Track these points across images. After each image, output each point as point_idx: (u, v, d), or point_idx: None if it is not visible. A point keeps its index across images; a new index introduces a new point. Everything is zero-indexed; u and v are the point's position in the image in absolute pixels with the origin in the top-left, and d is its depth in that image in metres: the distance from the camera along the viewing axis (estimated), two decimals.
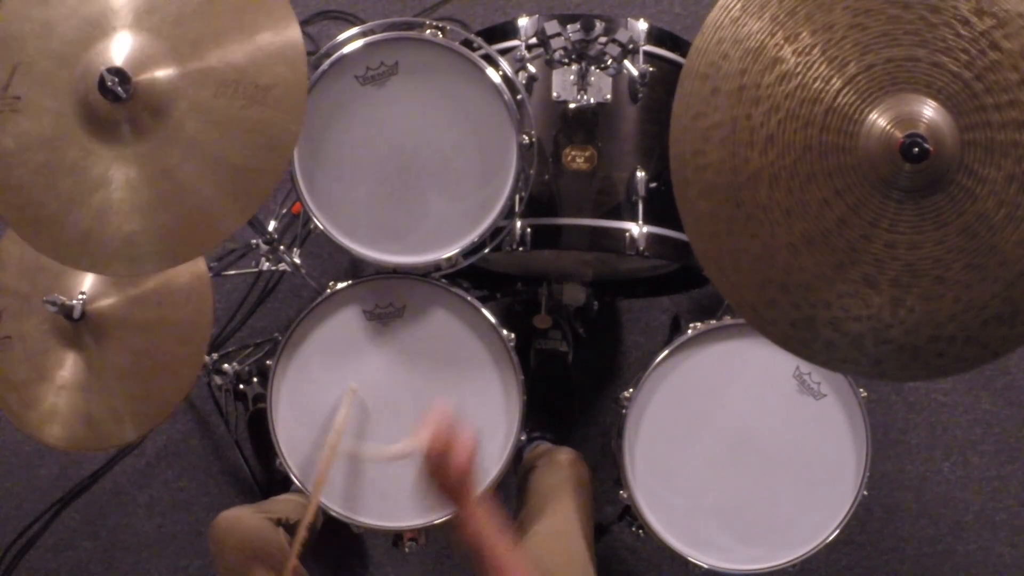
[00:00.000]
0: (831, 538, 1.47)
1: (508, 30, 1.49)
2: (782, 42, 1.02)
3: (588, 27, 1.38)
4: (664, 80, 1.48)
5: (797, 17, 1.02)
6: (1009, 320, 1.03)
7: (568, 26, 1.39)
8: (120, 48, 1.14)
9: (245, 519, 1.51)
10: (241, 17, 1.14)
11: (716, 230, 1.06)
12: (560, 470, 1.58)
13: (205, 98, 1.13)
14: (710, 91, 1.04)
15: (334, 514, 1.47)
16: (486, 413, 1.48)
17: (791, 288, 1.05)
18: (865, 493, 1.47)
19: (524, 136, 1.38)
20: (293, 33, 1.14)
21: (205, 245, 1.24)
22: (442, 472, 1.12)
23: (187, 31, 1.14)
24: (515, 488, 1.79)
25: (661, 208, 1.47)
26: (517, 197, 1.43)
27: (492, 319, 1.47)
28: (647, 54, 1.47)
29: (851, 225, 1.02)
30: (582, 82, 1.43)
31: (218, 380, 1.91)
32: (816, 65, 1.01)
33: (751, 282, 1.07)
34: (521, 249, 1.46)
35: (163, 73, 1.13)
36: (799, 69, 1.01)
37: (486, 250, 1.45)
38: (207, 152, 1.15)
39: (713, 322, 1.49)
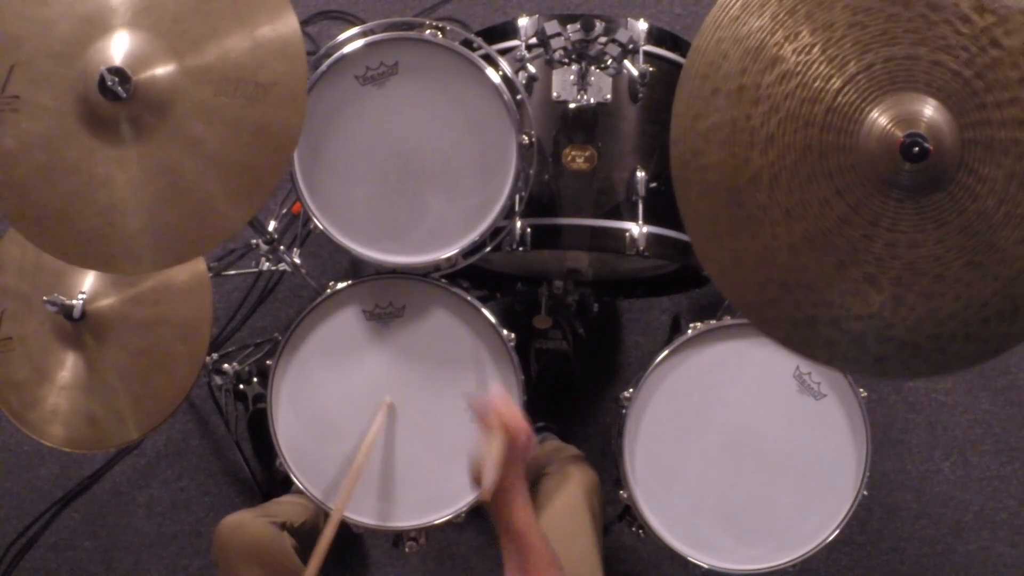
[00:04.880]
0: (831, 538, 1.47)
1: (508, 30, 1.49)
2: (782, 41, 1.02)
3: (588, 27, 1.38)
4: (664, 80, 1.48)
5: (797, 16, 1.02)
6: (1010, 317, 1.03)
7: (568, 26, 1.39)
8: (119, 46, 1.13)
9: (249, 524, 1.51)
10: (239, 11, 1.14)
11: (717, 231, 1.06)
12: (568, 475, 1.59)
13: (206, 96, 1.13)
14: (710, 91, 1.04)
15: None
16: None
17: (792, 288, 1.06)
18: (865, 493, 1.47)
19: (524, 136, 1.38)
20: (291, 25, 1.14)
21: (209, 243, 1.23)
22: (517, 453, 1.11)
23: (185, 27, 1.14)
24: None
25: (661, 208, 1.47)
26: (517, 197, 1.43)
27: (492, 319, 1.47)
28: (647, 54, 1.47)
29: (852, 224, 1.02)
30: (582, 82, 1.43)
31: (218, 380, 1.92)
32: (816, 64, 1.01)
33: (752, 282, 1.07)
34: (521, 249, 1.46)
35: (163, 71, 1.13)
36: (799, 68, 1.01)
37: (486, 250, 1.45)
38: (209, 150, 1.15)
39: (713, 322, 1.49)
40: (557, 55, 1.41)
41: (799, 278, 1.05)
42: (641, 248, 1.45)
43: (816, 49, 1.01)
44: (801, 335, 1.08)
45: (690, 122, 1.05)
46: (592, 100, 1.43)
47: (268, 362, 1.48)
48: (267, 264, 1.72)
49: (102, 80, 1.10)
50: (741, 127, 1.03)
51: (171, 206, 1.16)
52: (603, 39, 1.39)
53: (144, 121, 1.13)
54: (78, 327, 1.40)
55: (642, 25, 1.46)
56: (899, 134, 0.98)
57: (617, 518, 1.69)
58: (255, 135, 1.15)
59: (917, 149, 0.97)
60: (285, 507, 1.66)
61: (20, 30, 1.14)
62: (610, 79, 1.44)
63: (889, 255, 1.02)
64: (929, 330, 1.05)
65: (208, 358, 1.79)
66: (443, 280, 1.49)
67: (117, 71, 1.10)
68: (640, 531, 1.52)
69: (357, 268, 2.05)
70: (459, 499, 1.47)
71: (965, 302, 1.03)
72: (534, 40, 1.45)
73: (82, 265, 1.26)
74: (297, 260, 1.72)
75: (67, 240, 1.17)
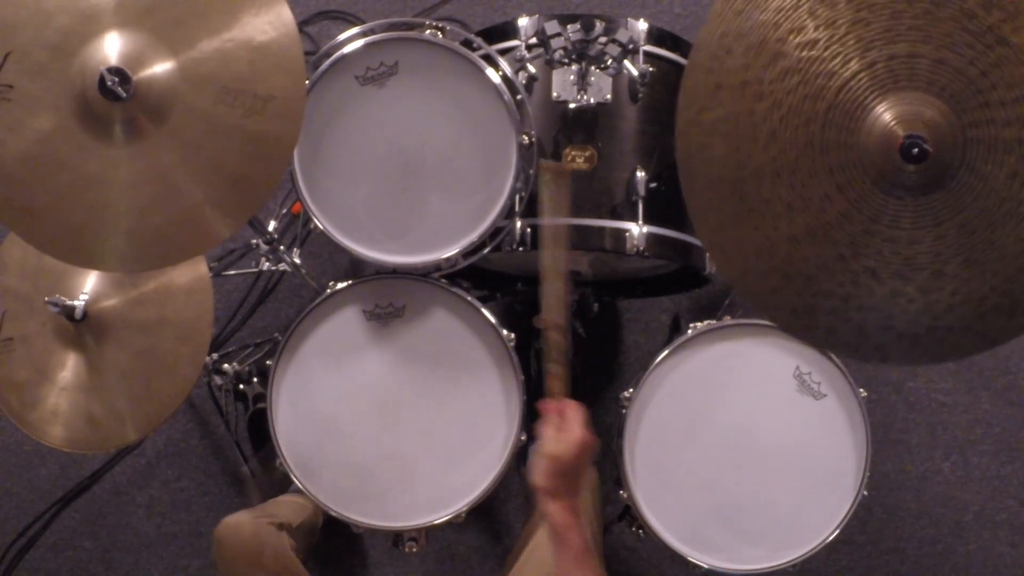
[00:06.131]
0: (831, 538, 1.47)
1: (508, 30, 1.49)
2: (785, 37, 1.02)
3: (588, 27, 1.38)
4: (664, 80, 1.48)
5: (800, 11, 1.02)
6: (1007, 312, 1.04)
7: (568, 26, 1.40)
8: (116, 42, 1.12)
9: (248, 525, 1.51)
10: (233, 7, 1.14)
11: (721, 222, 1.07)
12: None
13: (204, 104, 1.13)
14: (714, 86, 1.04)
15: (334, 514, 1.47)
16: (486, 413, 1.48)
17: (793, 278, 1.06)
18: (865, 493, 1.47)
19: (524, 136, 1.38)
20: (289, 29, 1.14)
21: (197, 249, 1.25)
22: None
23: (179, 23, 1.13)
24: (522, 493, 1.79)
25: (661, 208, 1.47)
26: (517, 197, 1.43)
27: (492, 319, 1.47)
28: (647, 54, 1.47)
29: (852, 220, 1.03)
30: (582, 82, 1.43)
31: (218, 380, 1.91)
32: (819, 61, 1.01)
33: (754, 271, 1.08)
34: (521, 249, 1.46)
35: (161, 68, 1.12)
36: (802, 65, 1.01)
37: (486, 250, 1.45)
38: (203, 158, 1.15)
39: (713, 322, 1.49)
40: (557, 55, 1.41)
41: (800, 269, 1.06)
42: (641, 248, 1.45)
43: (819, 45, 1.01)
44: (802, 323, 1.09)
45: (694, 115, 1.06)
46: (592, 100, 1.43)
47: (268, 362, 1.48)
48: (267, 264, 1.72)
49: (102, 80, 1.09)
50: (744, 122, 1.04)
51: (160, 210, 1.16)
52: (603, 39, 1.39)
53: (141, 123, 1.13)
54: (79, 328, 1.40)
55: (642, 25, 1.47)
56: (899, 134, 0.98)
57: (617, 518, 1.69)
58: (250, 147, 1.15)
59: (916, 151, 0.97)
60: (284, 507, 1.66)
61: (16, 17, 1.12)
62: (610, 79, 1.44)
63: (889, 250, 1.03)
64: (927, 322, 1.06)
65: (208, 358, 1.79)
66: (443, 280, 1.49)
67: (117, 71, 1.10)
68: (640, 531, 1.52)
69: (357, 268, 2.05)
70: (459, 499, 1.47)
71: (963, 297, 1.04)
72: (534, 40, 1.46)
73: (64, 260, 1.24)
74: (297, 260, 1.72)
75: (52, 233, 1.17)
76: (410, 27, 1.40)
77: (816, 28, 1.01)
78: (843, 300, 1.06)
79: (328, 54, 1.35)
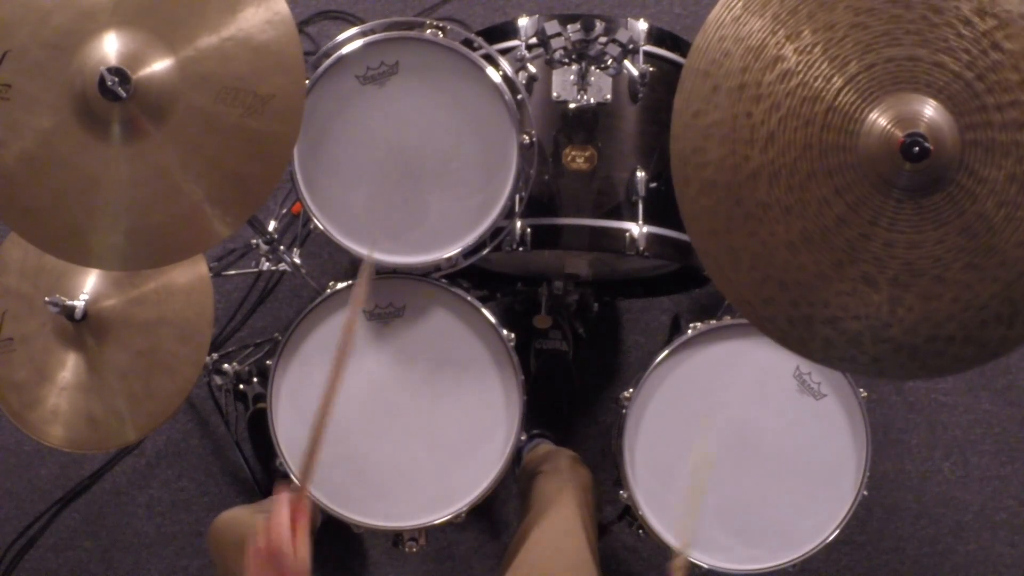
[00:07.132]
0: (831, 538, 1.47)
1: (508, 30, 1.49)
2: (783, 40, 1.02)
3: (588, 27, 1.38)
4: (664, 80, 1.48)
5: (799, 15, 1.02)
6: (1008, 321, 1.03)
7: (568, 26, 1.40)
8: (115, 41, 1.12)
9: (243, 518, 1.51)
10: (232, 6, 1.14)
11: (715, 227, 1.06)
12: (563, 475, 1.59)
13: (204, 103, 1.13)
14: (711, 89, 1.04)
15: (334, 514, 1.47)
16: (486, 413, 1.48)
17: (789, 286, 1.06)
18: (865, 493, 1.47)
19: (524, 136, 1.38)
20: (289, 30, 1.14)
21: (196, 249, 1.25)
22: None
23: (178, 22, 1.13)
24: (516, 493, 1.79)
25: (661, 208, 1.47)
26: (517, 197, 1.43)
27: (492, 319, 1.47)
28: (647, 54, 1.47)
29: (850, 224, 1.02)
30: (582, 82, 1.43)
31: (218, 380, 1.92)
32: (817, 64, 1.01)
33: (750, 279, 1.07)
34: (521, 249, 1.46)
35: (160, 67, 1.12)
36: (800, 67, 1.01)
37: (486, 250, 1.45)
38: (203, 158, 1.14)
39: (713, 322, 1.49)
40: (557, 55, 1.41)
41: (796, 276, 1.05)
42: (641, 248, 1.45)
43: (818, 48, 1.01)
44: (797, 334, 1.08)
45: (690, 119, 1.05)
46: (592, 100, 1.43)
47: (268, 362, 1.48)
48: (267, 264, 1.72)
49: (102, 80, 1.09)
50: (742, 124, 1.03)
51: (160, 209, 1.15)
52: (603, 39, 1.39)
53: (140, 123, 1.13)
54: (79, 328, 1.40)
55: (642, 25, 1.46)
56: (899, 134, 0.98)
57: (617, 518, 1.70)
58: (250, 146, 1.14)
59: (917, 149, 0.97)
60: None
61: (14, 16, 1.11)
62: (610, 79, 1.44)
63: (887, 255, 1.02)
64: (926, 331, 1.05)
65: (208, 358, 1.79)
66: (443, 280, 1.49)
67: (117, 71, 1.09)
68: (640, 531, 1.52)
69: (357, 268, 2.05)
70: (459, 499, 1.47)
71: (963, 304, 1.03)
72: (534, 40, 1.45)
73: (64, 258, 1.24)
74: (297, 260, 1.72)
75: (52, 232, 1.17)
76: (410, 27, 1.39)
77: (815, 31, 1.01)
78: (840, 309, 1.05)
79: (328, 54, 1.35)
